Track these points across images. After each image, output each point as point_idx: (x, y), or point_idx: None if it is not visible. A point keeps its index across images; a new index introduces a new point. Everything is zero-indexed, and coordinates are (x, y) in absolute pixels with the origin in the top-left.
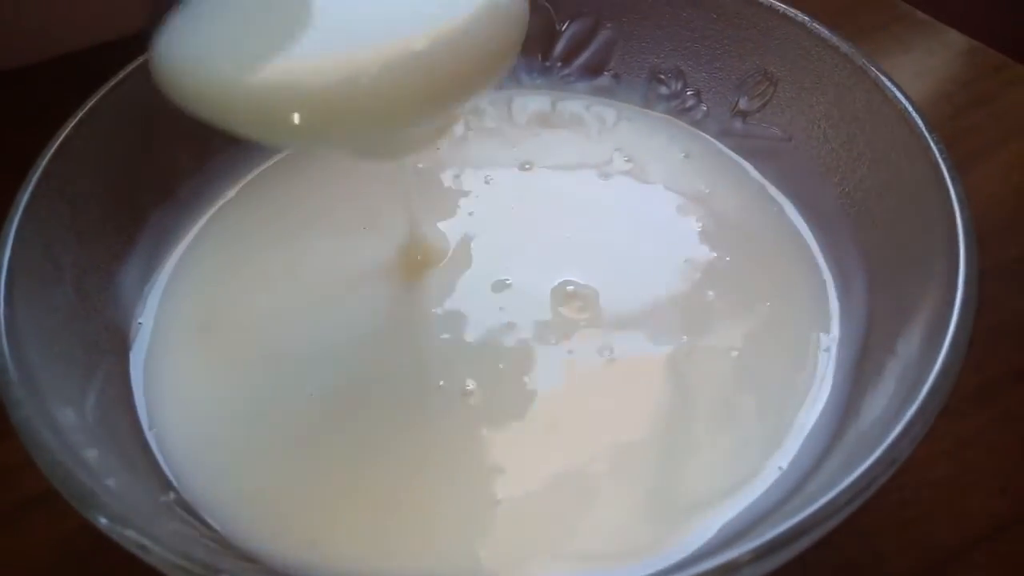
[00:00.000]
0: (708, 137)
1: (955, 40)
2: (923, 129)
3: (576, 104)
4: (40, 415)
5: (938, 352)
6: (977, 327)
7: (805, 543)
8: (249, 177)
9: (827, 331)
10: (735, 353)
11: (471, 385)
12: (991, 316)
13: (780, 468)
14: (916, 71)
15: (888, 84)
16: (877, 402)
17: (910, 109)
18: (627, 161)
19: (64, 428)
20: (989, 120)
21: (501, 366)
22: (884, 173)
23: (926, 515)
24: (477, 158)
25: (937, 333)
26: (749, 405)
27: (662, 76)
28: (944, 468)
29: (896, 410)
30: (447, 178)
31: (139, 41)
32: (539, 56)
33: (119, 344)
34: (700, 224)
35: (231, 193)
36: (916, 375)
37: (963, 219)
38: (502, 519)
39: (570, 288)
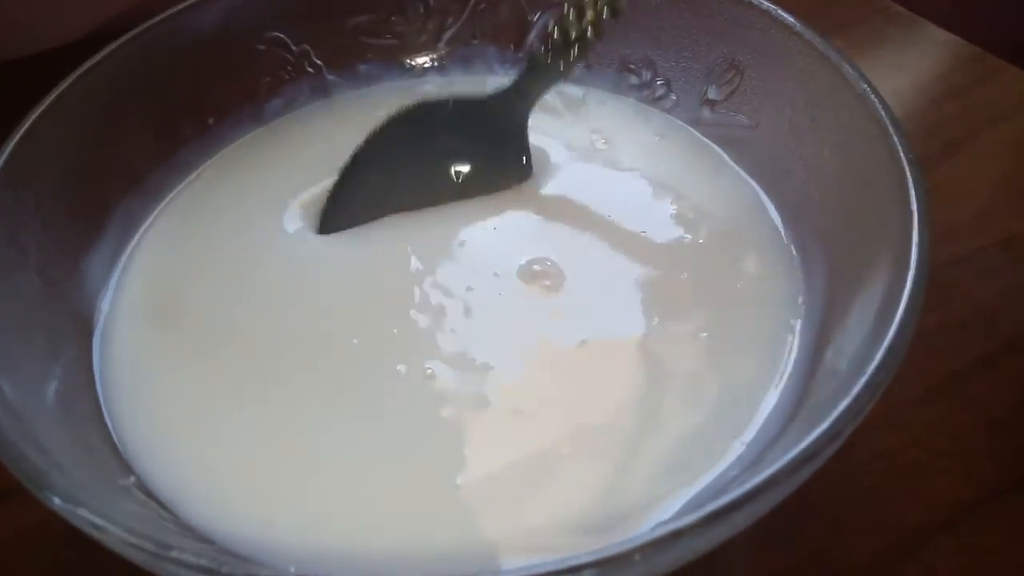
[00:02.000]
0: (680, 122)
1: (932, 33)
2: (882, 113)
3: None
4: None
5: (888, 328)
6: (947, 315)
7: (746, 514)
8: (208, 162)
9: (792, 313)
10: (704, 335)
11: (432, 367)
12: (962, 304)
13: (743, 444)
14: (893, 64)
15: (849, 70)
16: (832, 381)
17: (869, 92)
18: (604, 143)
19: (21, 411)
20: (964, 112)
21: (465, 345)
22: (845, 157)
23: (894, 500)
24: None
25: (888, 310)
26: (715, 387)
27: (632, 66)
28: (912, 454)
29: (844, 387)
30: None
31: (83, 48)
32: (511, 46)
33: (83, 330)
34: (674, 206)
35: (192, 176)
36: (866, 352)
37: (918, 201)
38: (461, 503)
39: (537, 268)
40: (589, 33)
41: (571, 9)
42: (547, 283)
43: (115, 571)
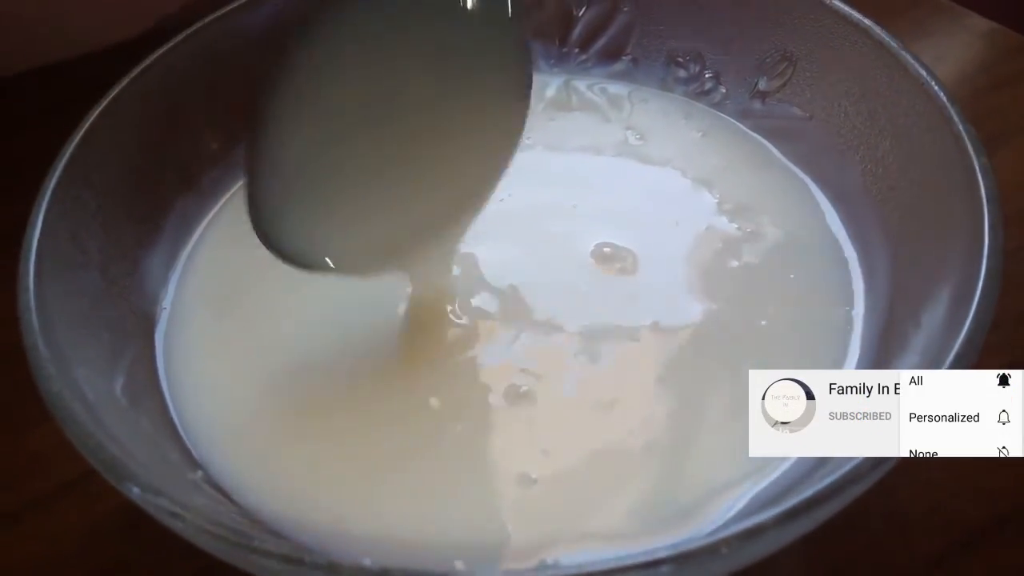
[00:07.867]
0: (727, 117)
1: (975, 23)
2: (945, 101)
3: (592, 87)
4: (71, 390)
5: (963, 321)
6: (1002, 308)
7: (827, 509)
8: None
9: (851, 305)
10: (764, 322)
11: (507, 363)
12: (1013, 299)
13: None
14: (936, 55)
15: (909, 58)
16: None
17: (931, 82)
18: (638, 139)
19: (94, 405)
20: (1011, 102)
21: (539, 343)
22: (906, 147)
23: (955, 494)
24: None
25: (962, 302)
26: None
27: (680, 59)
28: None
29: None
30: None
31: (132, 49)
32: (556, 42)
33: (145, 328)
34: (717, 197)
35: None
36: (941, 345)
37: (987, 188)
38: (535, 499)
39: (607, 250)
40: None
41: None
42: (619, 266)
43: (174, 566)
